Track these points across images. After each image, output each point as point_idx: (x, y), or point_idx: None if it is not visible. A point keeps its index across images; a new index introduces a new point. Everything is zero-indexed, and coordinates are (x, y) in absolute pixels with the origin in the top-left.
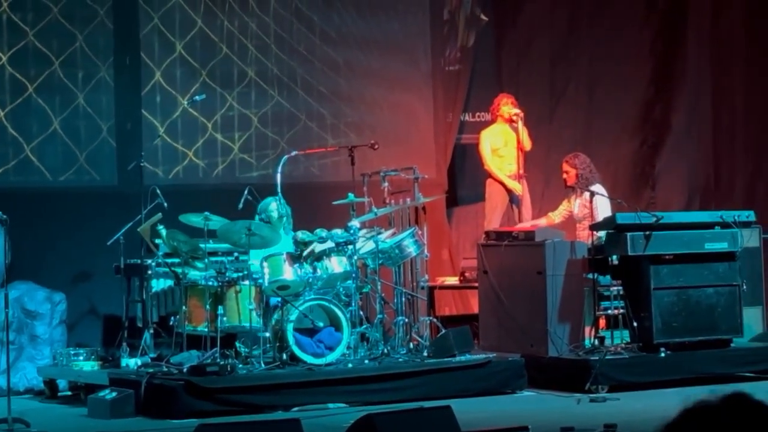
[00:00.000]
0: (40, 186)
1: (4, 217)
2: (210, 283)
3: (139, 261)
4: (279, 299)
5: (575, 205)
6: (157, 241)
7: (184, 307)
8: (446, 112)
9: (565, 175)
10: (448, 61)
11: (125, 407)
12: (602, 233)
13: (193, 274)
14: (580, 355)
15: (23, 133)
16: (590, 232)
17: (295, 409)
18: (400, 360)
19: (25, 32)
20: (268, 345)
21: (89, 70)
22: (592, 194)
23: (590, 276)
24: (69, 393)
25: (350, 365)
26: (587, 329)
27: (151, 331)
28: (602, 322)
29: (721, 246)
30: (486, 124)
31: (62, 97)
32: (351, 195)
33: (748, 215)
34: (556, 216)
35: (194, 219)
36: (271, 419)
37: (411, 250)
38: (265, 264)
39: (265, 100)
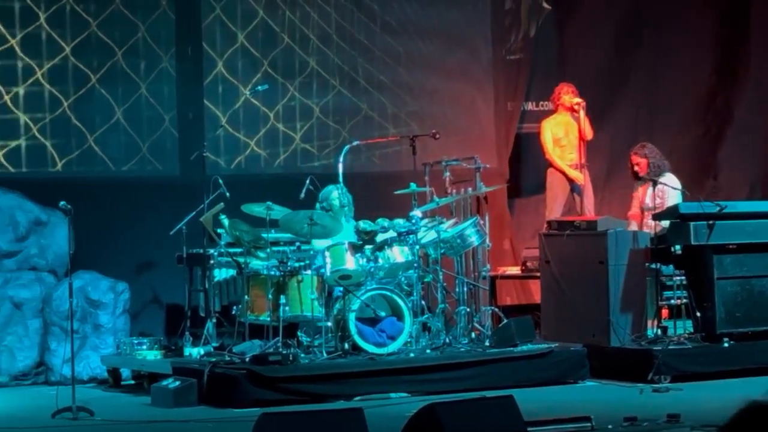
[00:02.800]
0: (103, 176)
1: (69, 207)
2: (272, 273)
3: (201, 251)
4: (341, 289)
5: (647, 194)
6: (220, 230)
7: (246, 297)
8: (507, 102)
9: (636, 167)
10: (510, 50)
11: (188, 396)
12: (665, 223)
13: (255, 264)
14: (642, 345)
15: (86, 124)
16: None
17: (357, 398)
18: (462, 350)
19: (88, 23)
20: (329, 334)
21: (151, 60)
22: (655, 183)
23: (653, 266)
24: (132, 382)
25: (412, 355)
26: (650, 319)
27: (214, 320)
28: (665, 312)
29: None
30: (547, 113)
31: (125, 87)
32: (413, 185)
33: None
34: (634, 210)
35: (256, 209)
36: (334, 408)
37: (473, 239)
38: (327, 253)
39: (326, 90)
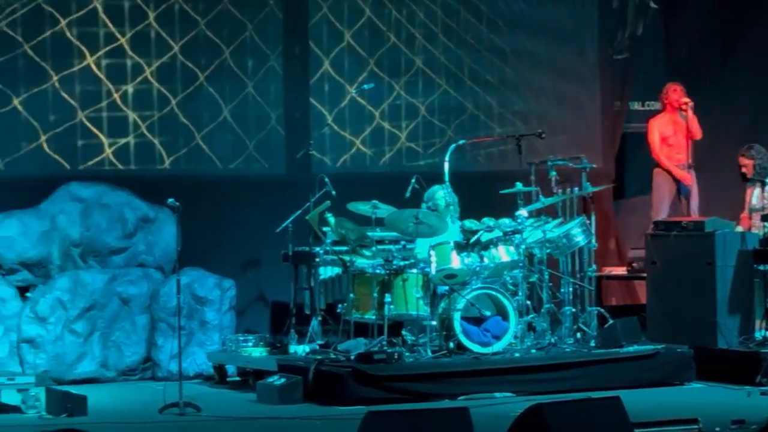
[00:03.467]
0: (210, 174)
1: (177, 204)
2: (377, 271)
3: (307, 248)
4: (446, 288)
5: (754, 195)
6: (325, 229)
7: (351, 295)
8: (613, 101)
9: (743, 169)
10: (616, 50)
11: (293, 393)
12: None
13: (361, 262)
14: (750, 347)
15: (194, 122)
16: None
17: (462, 397)
18: (567, 350)
19: (196, 21)
20: (434, 333)
21: (259, 59)
22: (764, 185)
23: (761, 267)
24: (238, 378)
25: (517, 354)
26: (758, 321)
27: (319, 318)
28: None
29: None
30: (653, 113)
31: (232, 85)
32: (519, 184)
33: None
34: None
35: (362, 207)
36: (440, 408)
37: (579, 239)
38: (432, 252)
39: (432, 89)
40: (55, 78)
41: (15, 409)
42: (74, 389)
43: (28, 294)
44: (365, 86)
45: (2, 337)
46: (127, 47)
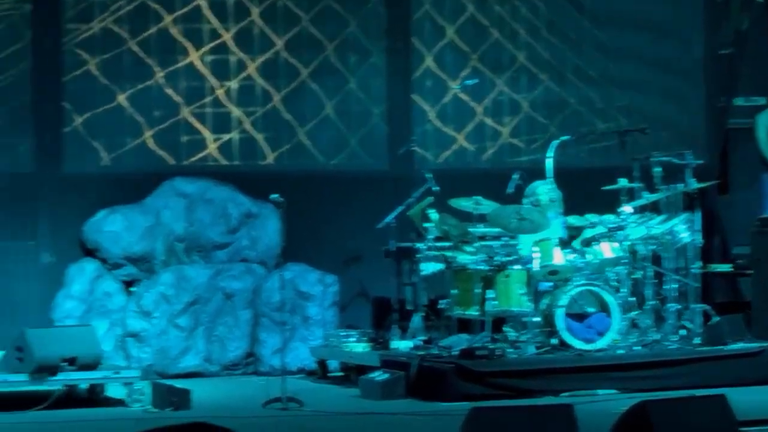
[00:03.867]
0: (313, 169)
1: (281, 200)
2: (480, 267)
3: (409, 244)
4: (549, 284)
5: None
6: (428, 225)
7: (453, 291)
8: (718, 97)
9: None
10: (721, 44)
11: (396, 389)
12: None
13: (463, 258)
14: None
15: (297, 117)
16: None
17: (565, 394)
18: (671, 347)
19: (299, 18)
20: (537, 330)
21: (361, 55)
22: None
23: None
24: (340, 374)
25: (620, 351)
26: None
27: (421, 314)
28: None
29: None
30: (760, 108)
31: (335, 81)
32: (622, 180)
33: None
34: None
35: (465, 203)
36: (543, 404)
37: (683, 236)
38: (535, 248)
39: (534, 85)
40: (159, 74)
41: (120, 402)
42: (178, 383)
43: (132, 289)
44: (468, 82)
45: (108, 332)
46: (230, 43)
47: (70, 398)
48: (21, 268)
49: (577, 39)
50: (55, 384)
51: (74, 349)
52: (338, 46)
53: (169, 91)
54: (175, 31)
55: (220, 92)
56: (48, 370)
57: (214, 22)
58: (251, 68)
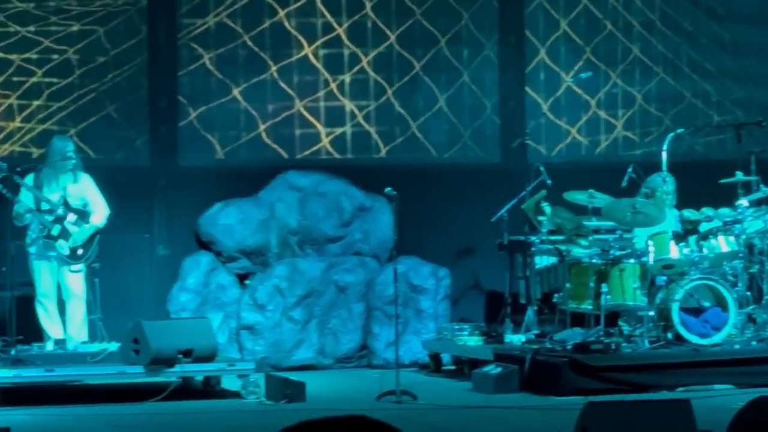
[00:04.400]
0: (426, 163)
1: (394, 193)
2: (594, 261)
3: (522, 238)
4: (664, 278)
5: None
6: (541, 218)
7: (567, 285)
8: None
9: None
10: None
11: (510, 383)
12: None
13: (577, 252)
14: None
15: (410, 111)
16: None
17: (680, 389)
18: None
19: (412, 11)
20: (652, 324)
21: (474, 48)
22: None
23: None
24: (453, 367)
25: (737, 346)
26: None
27: (535, 307)
28: None
29: None
30: None
31: (447, 75)
32: (739, 173)
33: None
34: None
35: (579, 196)
36: (660, 399)
37: None
38: (650, 242)
39: (649, 78)
40: (273, 68)
41: (235, 394)
42: (292, 376)
43: (247, 281)
44: (582, 75)
45: (222, 324)
46: (344, 37)
47: (186, 390)
48: (137, 261)
49: (693, 31)
50: (170, 376)
51: (190, 341)
52: (451, 39)
53: (283, 85)
54: (288, 25)
55: (333, 86)
56: (164, 362)
57: (328, 15)
58: (364, 62)
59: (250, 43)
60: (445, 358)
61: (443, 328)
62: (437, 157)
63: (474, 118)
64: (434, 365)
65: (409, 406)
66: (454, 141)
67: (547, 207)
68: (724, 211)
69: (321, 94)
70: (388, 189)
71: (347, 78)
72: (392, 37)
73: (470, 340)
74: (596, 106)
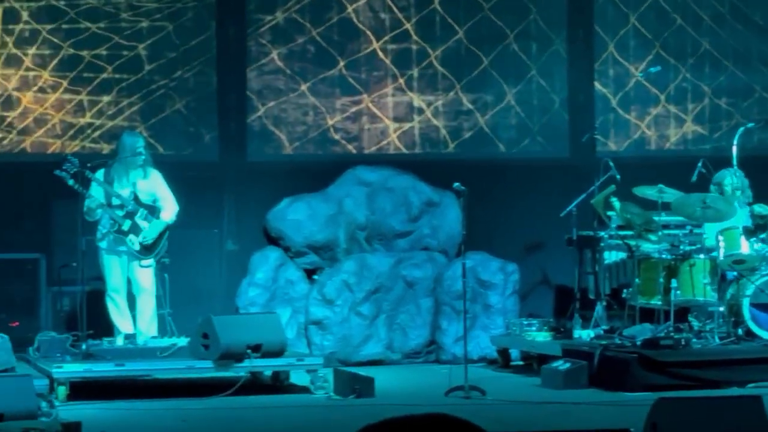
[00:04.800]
0: (494, 158)
1: (462, 188)
2: (663, 256)
3: (591, 233)
4: (734, 273)
5: None
6: (610, 213)
7: (636, 280)
8: None
9: None
10: None
11: (579, 378)
12: None
13: (647, 247)
14: None
15: (478, 106)
16: None
17: (751, 385)
18: None
19: (481, 6)
20: (722, 319)
21: (543, 43)
22: None
23: None
24: (521, 363)
25: None
26: None
27: (604, 303)
28: None
29: None
30: None
31: (516, 69)
32: None
33: None
34: None
35: (648, 191)
36: (731, 395)
37: None
38: (720, 237)
39: (719, 72)
40: (341, 63)
41: (304, 389)
42: (360, 371)
43: (315, 277)
44: (652, 69)
45: (290, 319)
46: (412, 32)
47: (255, 385)
48: (206, 256)
49: (763, 25)
50: (239, 371)
51: (259, 336)
52: (519, 34)
53: (351, 81)
54: (356, 20)
55: (401, 81)
56: (233, 357)
57: (396, 11)
58: (432, 57)
59: (318, 38)
60: (514, 353)
61: (512, 323)
62: (506, 152)
63: (543, 113)
64: (503, 361)
65: (477, 402)
66: (522, 136)
67: (616, 202)
68: None
69: (389, 89)
70: (456, 184)
71: (415, 73)
72: (461, 32)
73: (539, 336)
74: (666, 100)
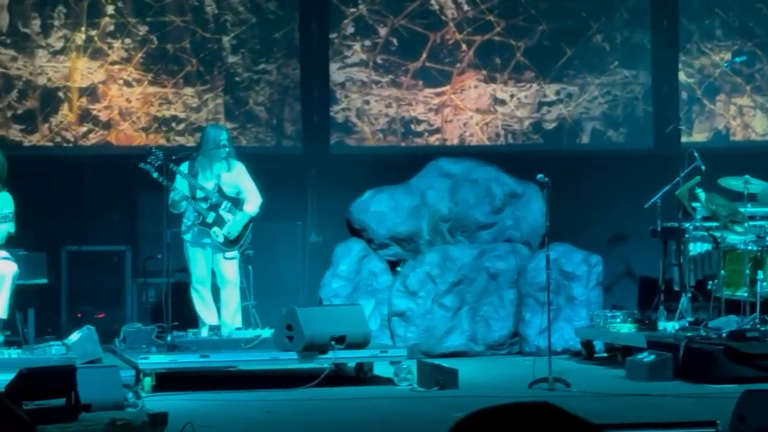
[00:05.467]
0: (577, 149)
1: (546, 179)
2: (749, 248)
3: (676, 224)
4: None
5: None
6: (695, 204)
7: (722, 272)
8: None
9: None
10: None
11: (664, 371)
12: None
13: (732, 238)
14: None
15: (561, 97)
16: None
17: None
18: None
19: None
20: None
21: (626, 34)
22: None
23: None
24: (605, 355)
25: None
26: None
27: (689, 294)
28: None
29: None
30: None
31: (599, 60)
32: None
33: None
34: None
35: (734, 182)
36: None
37: None
38: None
39: None
40: (424, 55)
41: (388, 381)
42: (443, 362)
43: (398, 268)
44: (737, 59)
45: (373, 311)
46: (495, 23)
47: (338, 376)
48: (290, 248)
49: None
50: (323, 362)
51: (343, 327)
52: (603, 25)
53: (434, 72)
54: (439, 12)
55: (484, 72)
56: (317, 348)
57: (479, 2)
58: (516, 48)
59: (400, 30)
60: (598, 345)
61: (596, 315)
62: (589, 143)
63: (626, 104)
64: (587, 353)
65: (562, 394)
66: (606, 127)
67: (701, 193)
68: None
69: (472, 80)
70: (540, 176)
71: (498, 64)
72: (543, 24)
73: (623, 328)
74: (751, 90)
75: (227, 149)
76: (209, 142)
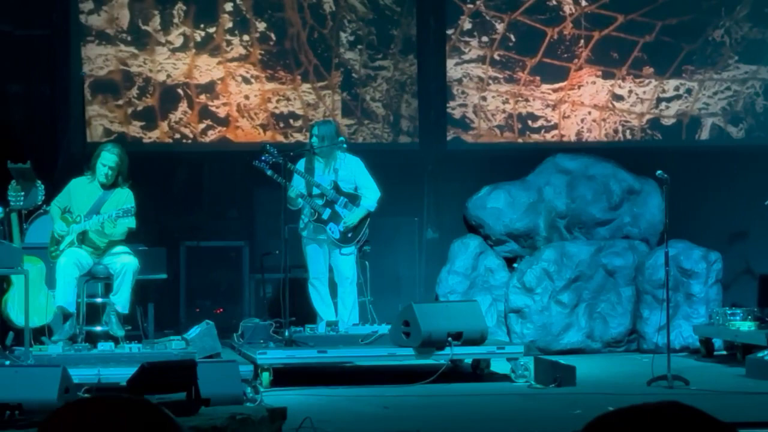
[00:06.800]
0: (696, 145)
1: (665, 176)
2: None
3: None
4: None
5: None
6: None
7: None
8: None
9: None
10: None
11: None
12: None
13: None
14: None
15: (680, 92)
16: None
17: None
18: None
19: None
20: None
21: (745, 29)
22: None
23: None
24: (724, 352)
25: None
26: None
27: None
28: None
29: None
30: None
31: (718, 55)
32: None
33: None
34: None
35: None
36: None
37: None
38: None
39: None
40: (540, 51)
41: (504, 377)
42: (560, 359)
43: (515, 265)
44: None
45: (490, 307)
46: (613, 19)
47: (455, 373)
48: (406, 244)
49: None
50: (440, 358)
51: (460, 324)
52: (721, 20)
53: (550, 68)
54: (557, 8)
55: (601, 68)
56: (434, 344)
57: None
58: (634, 44)
59: (518, 26)
60: (717, 343)
61: (715, 312)
62: (708, 139)
63: (746, 100)
64: (705, 350)
65: (681, 392)
66: (725, 122)
67: None
68: None
69: (590, 76)
70: (659, 172)
71: (617, 60)
72: (662, 19)
73: (743, 325)
74: None
75: (344, 145)
76: (326, 138)
